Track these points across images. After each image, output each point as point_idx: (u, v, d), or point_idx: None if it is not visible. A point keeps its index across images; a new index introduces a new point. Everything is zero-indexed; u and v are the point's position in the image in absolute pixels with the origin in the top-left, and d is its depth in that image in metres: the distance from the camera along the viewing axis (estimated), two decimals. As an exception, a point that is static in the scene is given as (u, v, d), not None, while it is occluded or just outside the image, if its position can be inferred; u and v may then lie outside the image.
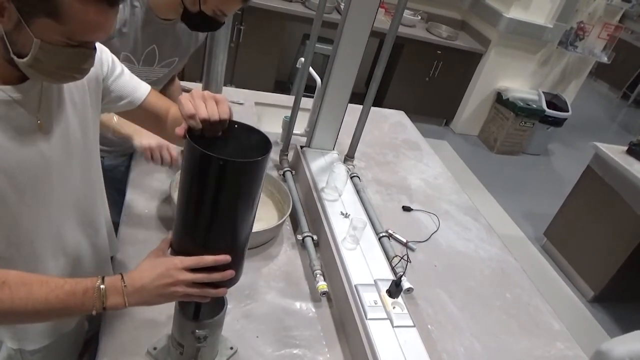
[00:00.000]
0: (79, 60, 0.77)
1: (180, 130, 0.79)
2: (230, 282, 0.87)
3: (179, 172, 1.45)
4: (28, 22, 0.69)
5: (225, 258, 0.83)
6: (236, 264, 0.86)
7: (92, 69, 0.85)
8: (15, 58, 0.73)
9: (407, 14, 4.36)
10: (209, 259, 0.82)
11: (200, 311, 0.93)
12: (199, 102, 0.80)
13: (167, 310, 0.96)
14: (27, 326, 1.00)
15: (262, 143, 0.82)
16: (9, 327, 0.99)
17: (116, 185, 1.54)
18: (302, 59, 1.66)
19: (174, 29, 1.41)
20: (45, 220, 0.90)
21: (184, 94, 0.84)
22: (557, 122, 4.70)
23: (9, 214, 0.82)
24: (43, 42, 0.71)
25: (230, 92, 2.23)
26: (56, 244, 0.96)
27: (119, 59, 1.32)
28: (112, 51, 1.26)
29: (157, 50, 1.40)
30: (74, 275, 0.85)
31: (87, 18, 0.70)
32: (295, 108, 1.70)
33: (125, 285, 0.80)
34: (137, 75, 1.40)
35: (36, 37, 0.70)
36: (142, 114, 1.08)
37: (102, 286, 0.79)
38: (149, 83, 1.43)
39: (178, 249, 0.86)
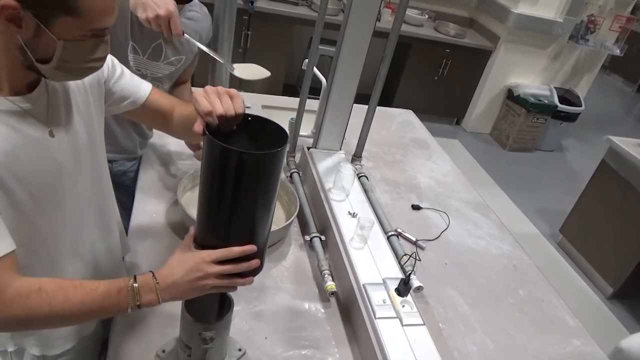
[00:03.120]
0: (97, 49, 0.79)
1: (198, 127, 0.80)
2: (255, 271, 0.89)
3: (187, 176, 1.47)
4: (48, 25, 0.71)
5: (251, 248, 0.85)
6: (260, 253, 0.88)
7: (93, 74, 0.87)
8: (38, 65, 0.75)
9: (414, 13, 4.34)
10: (236, 250, 0.84)
11: (207, 312, 0.94)
12: (214, 98, 0.82)
13: (176, 313, 0.97)
14: (50, 331, 1.01)
15: (276, 133, 0.84)
16: (33, 334, 1.00)
17: (126, 191, 1.55)
18: (307, 61, 1.66)
19: None
20: (60, 225, 0.92)
21: (198, 90, 0.86)
22: (571, 117, 4.63)
23: (26, 222, 0.84)
24: (65, 42, 0.73)
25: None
26: (73, 248, 0.97)
27: (127, 49, 1.34)
28: (120, 42, 1.25)
29: (163, 45, 1.42)
30: (92, 278, 0.86)
31: (100, 4, 0.73)
32: (301, 109, 1.71)
33: (157, 282, 0.82)
34: (143, 68, 1.42)
35: (58, 39, 0.72)
36: (146, 113, 1.09)
37: (135, 285, 0.81)
38: (154, 80, 1.45)
39: (202, 242, 0.88)
